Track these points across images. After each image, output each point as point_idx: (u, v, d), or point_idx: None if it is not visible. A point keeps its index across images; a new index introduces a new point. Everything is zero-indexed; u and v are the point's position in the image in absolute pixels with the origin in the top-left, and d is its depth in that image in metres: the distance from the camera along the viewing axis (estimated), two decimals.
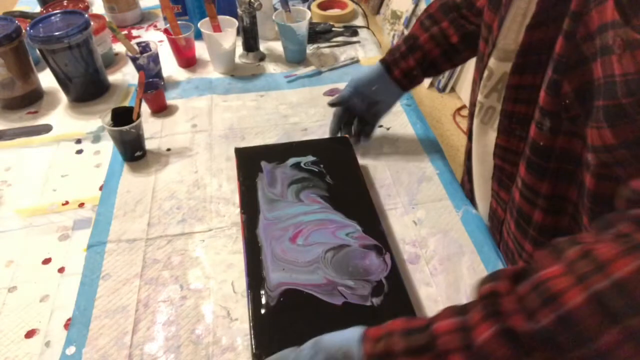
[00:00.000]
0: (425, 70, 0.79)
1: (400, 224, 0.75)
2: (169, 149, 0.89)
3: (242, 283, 0.66)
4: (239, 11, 1.05)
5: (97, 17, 1.10)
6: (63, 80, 0.98)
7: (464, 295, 0.65)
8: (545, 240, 0.57)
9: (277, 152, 0.81)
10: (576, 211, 0.53)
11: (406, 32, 0.82)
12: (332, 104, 0.85)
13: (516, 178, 0.59)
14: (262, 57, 1.15)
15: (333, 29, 1.24)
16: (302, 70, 1.10)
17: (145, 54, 0.99)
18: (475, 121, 0.69)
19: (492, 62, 0.62)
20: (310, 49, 1.18)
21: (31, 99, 1.01)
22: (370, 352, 0.44)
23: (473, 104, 0.71)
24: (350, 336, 0.46)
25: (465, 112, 2.10)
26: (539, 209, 0.56)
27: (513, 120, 0.58)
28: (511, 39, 0.58)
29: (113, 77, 1.08)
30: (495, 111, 0.64)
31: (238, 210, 0.76)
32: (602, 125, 0.42)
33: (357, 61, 1.14)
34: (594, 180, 0.47)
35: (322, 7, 1.33)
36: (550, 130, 0.50)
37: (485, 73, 0.64)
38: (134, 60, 0.99)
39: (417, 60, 0.77)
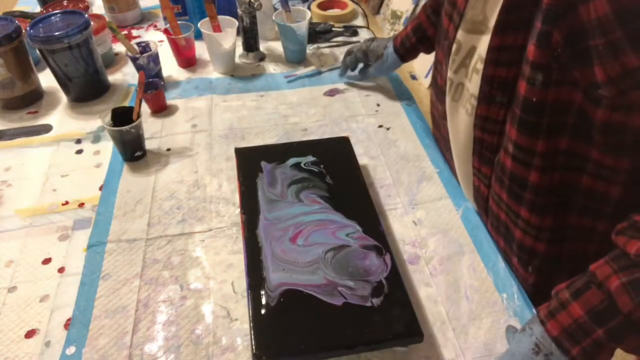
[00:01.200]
0: (429, 53, 0.93)
1: (400, 224, 0.75)
2: (169, 149, 0.89)
3: (242, 283, 0.66)
4: (239, 11, 1.05)
5: (97, 17, 1.10)
6: (63, 80, 0.98)
7: (464, 295, 0.65)
8: (542, 202, 0.58)
9: (277, 152, 0.81)
10: (569, 161, 0.54)
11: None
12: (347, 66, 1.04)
13: (505, 144, 0.59)
14: (262, 57, 1.15)
15: (333, 29, 1.24)
16: (302, 70, 1.10)
17: (145, 54, 0.99)
18: (447, 99, 0.70)
19: (460, 34, 0.64)
20: (310, 49, 1.18)
21: (31, 99, 1.01)
22: (546, 312, 0.50)
23: (441, 84, 0.72)
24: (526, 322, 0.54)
25: None
26: (534, 169, 0.56)
27: (494, 85, 0.58)
28: (479, 9, 0.60)
29: (113, 77, 1.08)
30: (464, 88, 0.65)
31: (238, 210, 0.76)
32: (607, 59, 0.44)
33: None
34: (607, 112, 0.48)
35: (322, 7, 1.33)
36: (542, 83, 0.51)
37: (454, 47, 0.65)
38: (134, 60, 0.99)
39: (425, 48, 0.92)
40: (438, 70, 0.75)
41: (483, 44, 0.60)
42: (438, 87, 0.76)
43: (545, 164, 0.55)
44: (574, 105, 0.50)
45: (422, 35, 0.90)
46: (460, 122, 0.68)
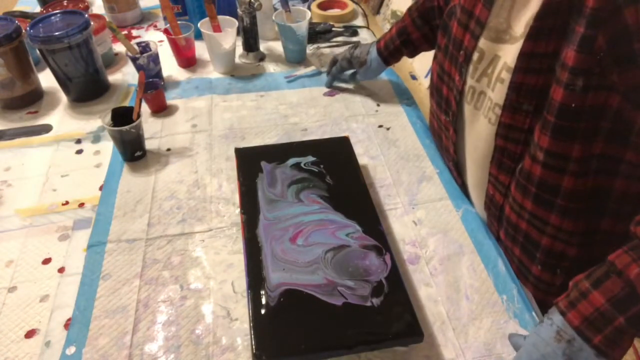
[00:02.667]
0: (411, 56, 0.96)
1: (400, 224, 0.75)
2: (169, 149, 0.89)
3: (242, 283, 0.66)
4: (239, 11, 1.05)
5: (97, 17, 1.10)
6: (63, 80, 0.98)
7: (464, 295, 0.65)
8: (575, 207, 0.57)
9: (277, 152, 0.81)
10: (602, 165, 0.54)
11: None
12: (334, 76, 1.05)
13: (533, 152, 0.59)
14: (262, 57, 1.15)
15: (333, 29, 1.24)
16: (302, 71, 1.10)
17: (145, 54, 0.99)
18: (468, 107, 0.69)
19: (482, 42, 0.63)
20: (310, 49, 1.18)
21: (31, 99, 1.01)
22: (566, 302, 0.50)
23: (447, 95, 0.72)
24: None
25: None
26: (568, 175, 0.56)
27: (521, 93, 0.58)
28: (503, 18, 0.59)
29: (113, 77, 1.08)
30: (486, 96, 0.65)
31: (238, 210, 0.76)
32: None
33: None
34: None
35: (322, 7, 1.33)
36: (582, 88, 0.50)
37: (476, 55, 0.65)
38: (134, 60, 0.99)
39: (409, 52, 0.94)
40: (444, 82, 0.74)
41: (508, 53, 0.59)
42: (442, 97, 0.75)
43: (581, 168, 0.55)
44: (611, 108, 0.50)
45: (406, 39, 0.91)
46: (481, 131, 0.67)
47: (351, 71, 1.04)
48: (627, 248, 0.48)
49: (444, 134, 0.78)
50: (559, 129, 0.54)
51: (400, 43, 0.92)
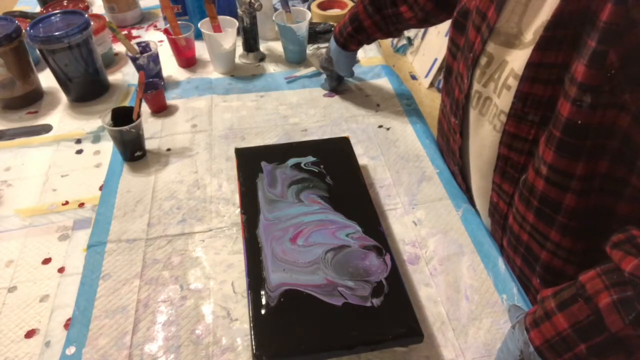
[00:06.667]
0: (368, 43, 0.97)
1: (400, 224, 0.75)
2: (169, 149, 0.89)
3: (242, 283, 0.66)
4: (239, 11, 1.05)
5: (97, 17, 1.10)
6: (63, 80, 0.98)
7: (464, 295, 0.65)
8: (575, 226, 0.56)
9: (277, 153, 0.81)
10: (606, 184, 0.52)
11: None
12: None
13: (537, 166, 0.57)
14: (262, 58, 1.15)
15: (333, 28, 1.24)
16: (302, 71, 1.10)
17: (145, 54, 0.99)
18: (473, 112, 0.68)
19: (491, 47, 0.62)
20: (310, 49, 1.18)
21: (31, 99, 1.01)
22: (531, 319, 0.50)
23: (459, 97, 0.70)
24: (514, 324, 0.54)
25: None
26: (571, 192, 0.54)
27: (527, 103, 0.56)
28: (514, 22, 0.58)
29: (113, 77, 1.08)
30: (492, 103, 0.63)
31: (238, 210, 0.76)
32: None
33: (357, 61, 1.14)
34: None
35: (322, 7, 1.33)
36: (590, 105, 0.48)
37: (484, 59, 0.63)
38: (134, 60, 0.99)
39: (364, 38, 0.94)
40: (457, 83, 0.72)
41: (517, 59, 0.57)
42: (455, 100, 0.73)
43: (584, 187, 0.53)
44: (620, 129, 0.48)
45: (358, 25, 0.90)
46: (486, 137, 0.66)
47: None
48: (600, 271, 0.46)
49: (452, 137, 0.76)
50: (565, 145, 0.52)
51: (353, 29, 0.91)
